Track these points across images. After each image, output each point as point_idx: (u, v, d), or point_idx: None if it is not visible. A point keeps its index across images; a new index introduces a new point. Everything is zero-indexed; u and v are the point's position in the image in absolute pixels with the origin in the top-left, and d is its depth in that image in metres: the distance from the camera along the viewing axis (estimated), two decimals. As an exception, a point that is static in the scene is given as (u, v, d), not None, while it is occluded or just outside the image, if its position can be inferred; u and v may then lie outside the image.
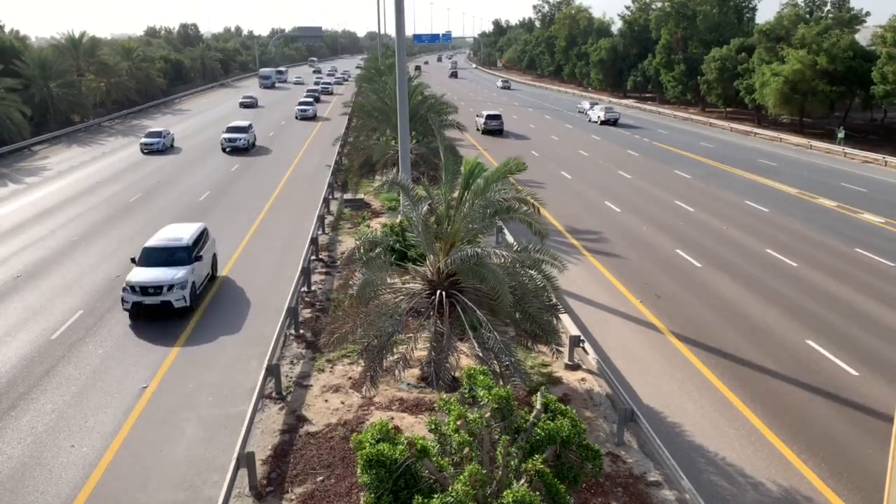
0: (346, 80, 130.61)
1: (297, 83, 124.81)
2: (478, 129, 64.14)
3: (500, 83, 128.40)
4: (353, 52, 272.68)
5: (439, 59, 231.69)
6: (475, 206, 16.36)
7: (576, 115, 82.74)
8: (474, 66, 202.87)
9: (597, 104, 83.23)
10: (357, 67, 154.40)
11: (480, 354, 15.44)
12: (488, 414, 10.29)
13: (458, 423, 10.17)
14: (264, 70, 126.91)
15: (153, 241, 23.31)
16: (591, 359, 18.42)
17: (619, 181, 44.23)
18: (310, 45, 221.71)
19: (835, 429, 16.18)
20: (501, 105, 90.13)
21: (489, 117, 65.20)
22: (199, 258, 23.01)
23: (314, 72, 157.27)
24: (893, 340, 20.69)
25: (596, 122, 75.79)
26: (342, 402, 16.78)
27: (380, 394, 16.64)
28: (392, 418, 15.27)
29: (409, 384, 17.13)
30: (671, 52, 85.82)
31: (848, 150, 54.29)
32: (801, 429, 16.16)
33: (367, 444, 9.93)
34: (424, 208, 16.69)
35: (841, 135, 57.70)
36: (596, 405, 17.04)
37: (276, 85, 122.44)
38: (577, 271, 25.64)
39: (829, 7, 74.39)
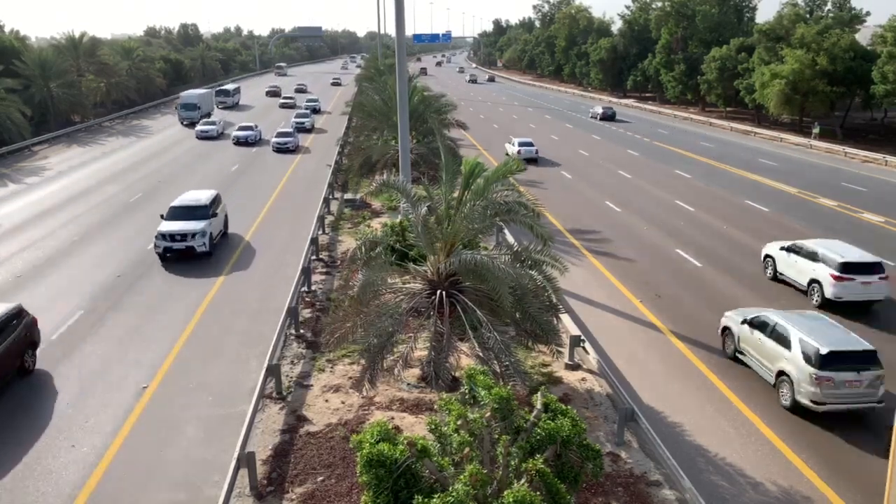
0: (311, 125, 64.81)
1: (204, 131, 59.97)
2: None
3: (458, 69, 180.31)
4: (353, 51, 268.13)
5: (443, 55, 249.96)
6: (475, 206, 16.36)
7: (574, 115, 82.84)
8: (474, 65, 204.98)
9: (474, 71, 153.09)
10: (334, 83, 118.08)
11: (481, 354, 15.44)
12: (488, 414, 10.28)
13: (459, 423, 10.17)
14: (189, 94, 71.76)
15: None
16: (592, 358, 18.42)
17: (619, 181, 44.23)
18: (310, 45, 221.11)
19: (835, 428, 16.18)
20: (500, 103, 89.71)
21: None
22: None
23: (268, 92, 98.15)
24: (894, 340, 20.67)
25: (468, 80, 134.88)
26: (342, 402, 16.78)
27: (380, 394, 16.65)
28: (392, 418, 15.29)
29: (409, 384, 17.14)
30: (671, 51, 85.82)
31: (848, 149, 54.30)
32: (802, 428, 16.16)
33: (368, 443, 9.93)
34: (424, 209, 16.68)
35: (816, 130, 58.18)
36: (596, 405, 17.04)
37: (218, 111, 76.61)
38: (577, 271, 25.61)
39: (829, 7, 74.38)
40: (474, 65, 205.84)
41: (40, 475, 14.26)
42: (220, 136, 60.32)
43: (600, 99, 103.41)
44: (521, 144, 49.81)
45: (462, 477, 9.27)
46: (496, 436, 10.28)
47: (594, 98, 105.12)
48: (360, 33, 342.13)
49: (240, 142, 56.17)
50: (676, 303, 23.72)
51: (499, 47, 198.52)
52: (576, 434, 10.44)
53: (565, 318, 19.78)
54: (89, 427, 15.98)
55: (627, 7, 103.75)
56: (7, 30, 78.03)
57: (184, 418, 16.32)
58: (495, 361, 14.75)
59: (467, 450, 9.90)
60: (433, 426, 10.58)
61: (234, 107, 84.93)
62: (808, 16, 71.88)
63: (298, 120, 64.92)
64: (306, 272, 24.29)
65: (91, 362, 19.13)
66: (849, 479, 14.34)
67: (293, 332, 20.76)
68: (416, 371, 17.04)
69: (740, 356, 18.98)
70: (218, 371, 18.62)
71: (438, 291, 16.03)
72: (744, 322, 18.73)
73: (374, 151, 35.66)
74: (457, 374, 15.85)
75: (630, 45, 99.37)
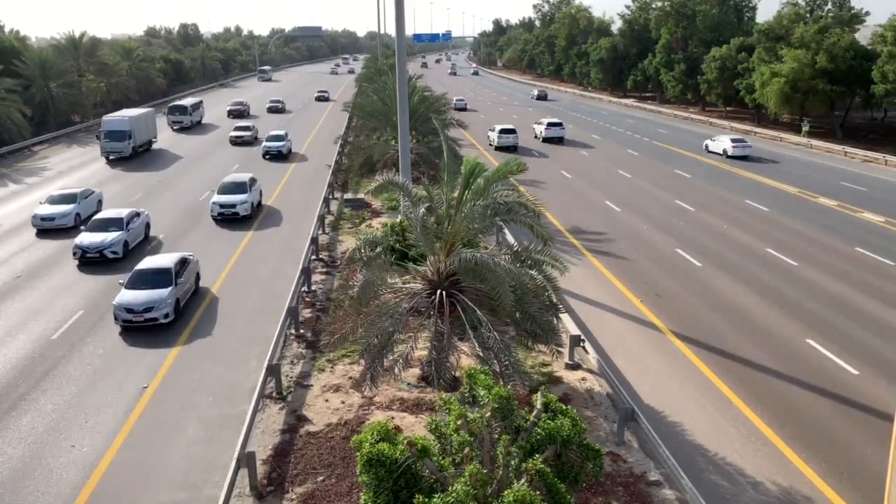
0: (252, 205, 33.36)
1: (48, 218, 31.35)
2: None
3: (450, 65, 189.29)
4: (353, 51, 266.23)
5: (444, 55, 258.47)
6: (475, 206, 16.36)
7: (573, 114, 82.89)
8: (473, 64, 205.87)
9: (459, 66, 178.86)
10: (320, 98, 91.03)
11: (481, 354, 15.44)
12: (489, 414, 10.29)
13: (459, 422, 10.18)
14: (116, 119, 49.45)
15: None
16: (592, 358, 18.42)
17: (619, 180, 44.20)
18: (309, 45, 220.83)
19: (835, 428, 16.19)
20: (501, 103, 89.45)
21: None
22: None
23: (231, 112, 73.21)
24: (894, 339, 20.68)
25: (449, 73, 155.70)
26: (342, 402, 16.78)
27: (380, 393, 16.64)
28: (392, 418, 15.28)
29: (409, 384, 17.13)
30: (671, 51, 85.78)
31: (848, 149, 54.28)
32: (801, 428, 16.16)
33: (368, 443, 9.94)
34: (423, 209, 16.68)
35: (806, 128, 58.28)
36: (596, 404, 17.04)
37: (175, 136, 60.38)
38: (577, 271, 25.60)
39: (829, 6, 74.30)
40: (474, 64, 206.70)
41: (40, 475, 14.26)
42: (78, 225, 30.92)
43: (600, 98, 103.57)
44: (457, 100, 78.04)
45: (462, 477, 9.27)
46: (496, 436, 10.28)
47: (594, 98, 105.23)
48: (361, 33, 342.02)
49: (87, 254, 26.80)
50: (676, 302, 23.69)
51: (499, 47, 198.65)
52: (576, 434, 10.45)
53: (565, 318, 19.79)
54: (89, 427, 15.98)
55: (627, 7, 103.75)
56: (7, 30, 78.10)
57: (184, 418, 16.34)
58: (495, 361, 14.75)
59: (467, 450, 9.91)
60: (433, 426, 10.59)
61: (194, 127, 65.58)
62: (807, 15, 71.82)
63: (225, 201, 32.77)
64: (306, 272, 24.28)
65: (91, 361, 19.14)
66: (849, 479, 14.34)
67: (293, 331, 20.77)
68: (417, 371, 17.04)
69: (492, 143, 51.73)
70: (218, 371, 18.62)
71: (438, 291, 16.03)
72: (489, 130, 54.06)
73: (374, 151, 35.70)
74: (457, 374, 15.85)
75: (630, 44, 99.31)
